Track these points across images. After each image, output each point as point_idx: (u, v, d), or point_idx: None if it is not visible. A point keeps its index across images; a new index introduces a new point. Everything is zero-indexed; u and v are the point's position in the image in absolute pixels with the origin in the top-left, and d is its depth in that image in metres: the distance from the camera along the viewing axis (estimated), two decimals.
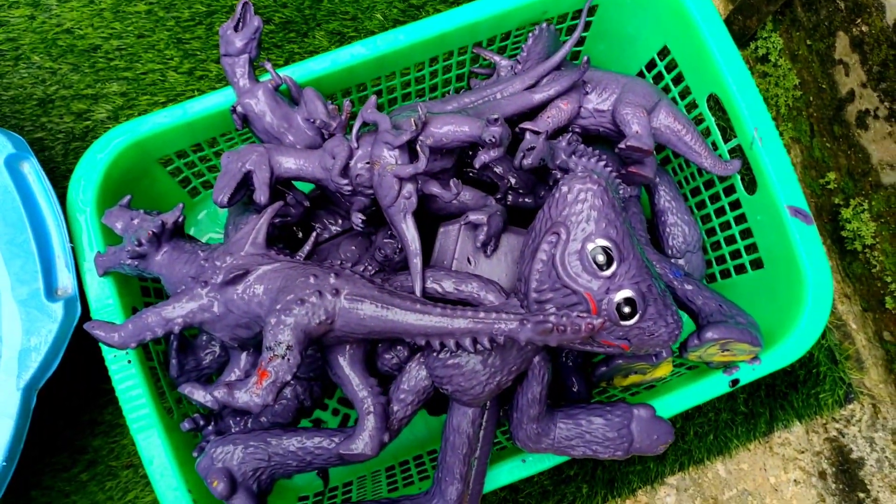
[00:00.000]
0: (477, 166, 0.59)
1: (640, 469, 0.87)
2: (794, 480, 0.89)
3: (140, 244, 0.60)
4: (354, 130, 0.61)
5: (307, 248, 0.62)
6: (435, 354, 0.57)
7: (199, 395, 0.62)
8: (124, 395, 0.62)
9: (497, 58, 0.77)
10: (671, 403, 0.67)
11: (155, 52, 0.89)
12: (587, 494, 0.85)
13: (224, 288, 0.56)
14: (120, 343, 0.57)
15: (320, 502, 0.77)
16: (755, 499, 0.88)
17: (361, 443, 0.57)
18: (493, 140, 0.57)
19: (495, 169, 0.70)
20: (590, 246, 0.54)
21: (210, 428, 0.67)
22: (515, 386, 0.62)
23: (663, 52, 0.78)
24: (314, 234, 0.64)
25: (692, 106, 0.77)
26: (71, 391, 0.82)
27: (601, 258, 0.54)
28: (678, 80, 0.78)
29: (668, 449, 0.87)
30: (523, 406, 0.61)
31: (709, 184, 0.80)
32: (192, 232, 0.85)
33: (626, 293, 0.54)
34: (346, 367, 0.59)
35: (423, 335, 0.54)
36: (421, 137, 0.59)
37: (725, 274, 0.82)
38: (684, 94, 0.77)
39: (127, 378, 0.63)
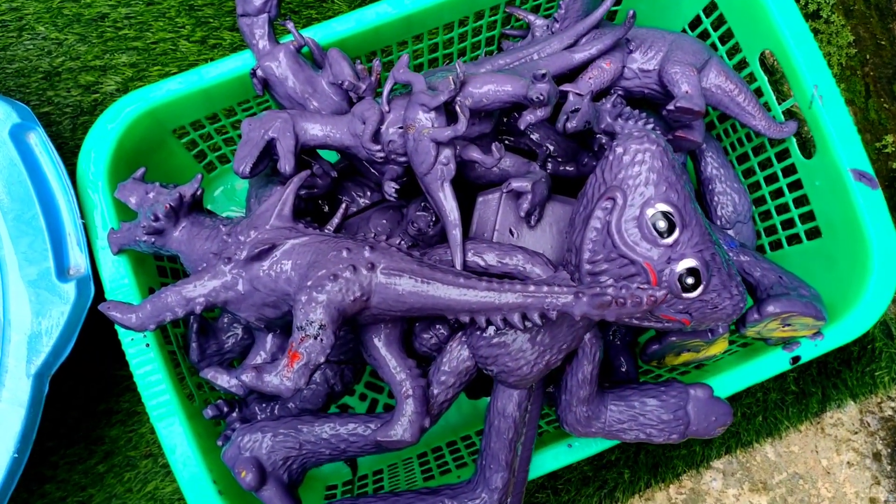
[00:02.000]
0: (522, 127, 0.54)
1: (686, 453, 0.82)
2: (848, 462, 0.84)
3: (157, 219, 0.56)
4: (385, 92, 0.56)
5: (336, 220, 0.58)
6: (479, 333, 0.53)
7: (223, 379, 0.58)
8: (143, 381, 0.58)
9: (532, 17, 0.72)
10: (727, 383, 0.63)
11: (165, 20, 0.84)
12: (629, 480, 0.81)
13: (249, 264, 0.52)
14: (138, 325, 0.53)
15: (350, 492, 0.73)
16: (806, 482, 0.83)
17: (401, 429, 0.52)
18: (541, 98, 0.52)
19: (533, 136, 0.65)
20: (649, 211, 0.49)
21: (235, 415, 0.63)
22: (563, 366, 0.58)
23: (708, 9, 0.73)
24: (343, 206, 0.59)
25: (740, 66, 0.71)
26: (85, 380, 0.78)
27: (662, 224, 0.49)
28: (725, 38, 0.72)
29: None
30: (573, 387, 0.56)
31: (758, 149, 0.75)
32: None
33: (690, 262, 0.49)
34: (383, 348, 0.54)
35: (467, 311, 0.49)
36: (459, 98, 0.54)
37: (776, 245, 0.77)
38: (732, 52, 0.72)
39: (145, 363, 0.58)
